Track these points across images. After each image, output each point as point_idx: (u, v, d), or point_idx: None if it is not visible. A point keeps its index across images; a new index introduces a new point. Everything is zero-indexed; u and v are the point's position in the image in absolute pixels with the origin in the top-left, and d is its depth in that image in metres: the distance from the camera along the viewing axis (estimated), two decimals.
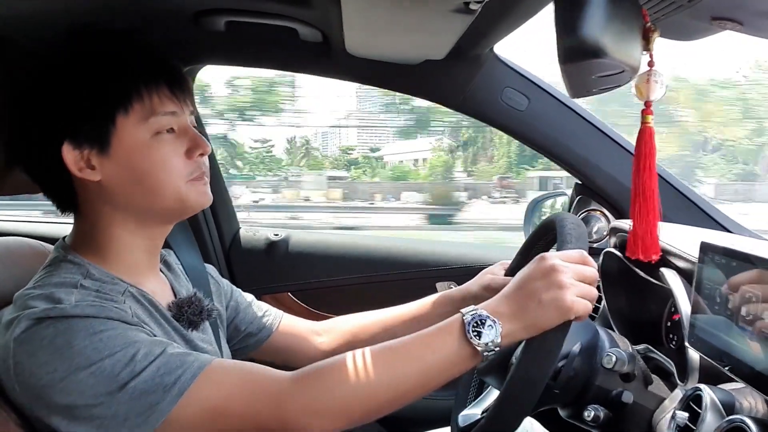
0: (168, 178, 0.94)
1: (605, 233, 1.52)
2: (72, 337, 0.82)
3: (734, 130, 10.68)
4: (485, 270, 1.23)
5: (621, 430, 1.03)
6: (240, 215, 2.00)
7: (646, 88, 0.85)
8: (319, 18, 1.27)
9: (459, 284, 1.27)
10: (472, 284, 1.22)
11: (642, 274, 1.19)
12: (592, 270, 0.87)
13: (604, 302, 1.29)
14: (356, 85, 1.73)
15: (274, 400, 0.84)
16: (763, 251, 0.83)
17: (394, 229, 9.57)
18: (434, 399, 1.31)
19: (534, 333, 0.84)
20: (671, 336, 1.18)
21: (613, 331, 1.17)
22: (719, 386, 0.91)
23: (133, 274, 0.97)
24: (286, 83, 10.94)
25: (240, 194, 9.69)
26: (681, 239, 1.11)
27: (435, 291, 1.29)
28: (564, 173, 1.58)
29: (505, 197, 10.60)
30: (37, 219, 2.25)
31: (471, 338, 0.83)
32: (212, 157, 1.77)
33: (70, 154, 0.91)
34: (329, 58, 1.46)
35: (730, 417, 0.82)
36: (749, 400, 0.87)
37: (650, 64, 0.84)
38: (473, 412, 1.22)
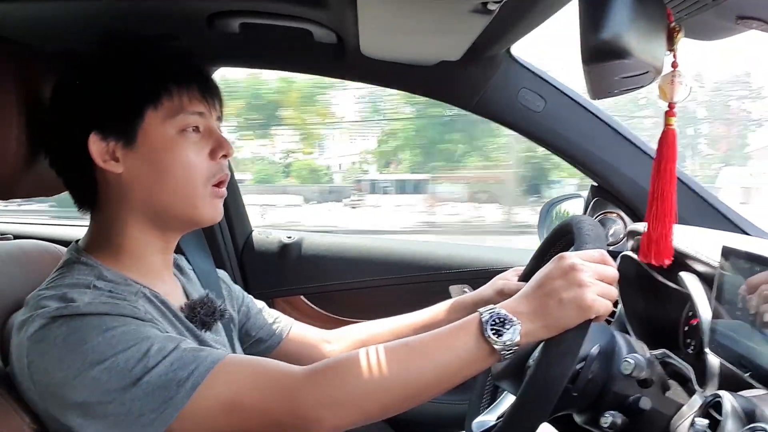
0: (188, 177, 0.95)
1: (622, 236, 1.51)
2: (85, 334, 0.82)
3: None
4: (498, 276, 1.23)
5: None
6: None
7: (670, 89, 0.84)
8: (334, 19, 1.26)
9: (473, 288, 1.26)
10: (485, 289, 1.21)
11: (660, 278, 1.18)
12: (612, 269, 0.86)
13: (620, 306, 1.28)
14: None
15: (287, 394, 0.84)
16: None
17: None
18: (445, 403, 1.31)
19: (554, 332, 0.83)
20: (689, 341, 1.16)
21: (630, 335, 1.16)
22: (739, 393, 0.89)
23: (147, 275, 0.98)
24: None
25: None
26: (700, 242, 1.09)
27: (448, 294, 1.29)
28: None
29: (358, 201, 10.54)
30: (50, 222, 2.27)
31: (489, 337, 0.82)
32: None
33: (95, 145, 0.93)
34: (344, 59, 1.46)
35: (752, 425, 0.80)
36: None
37: (674, 64, 0.83)
38: (487, 418, 1.21)
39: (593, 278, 0.83)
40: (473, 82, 1.49)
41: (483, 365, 0.85)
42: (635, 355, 1.01)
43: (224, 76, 2.28)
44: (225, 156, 0.99)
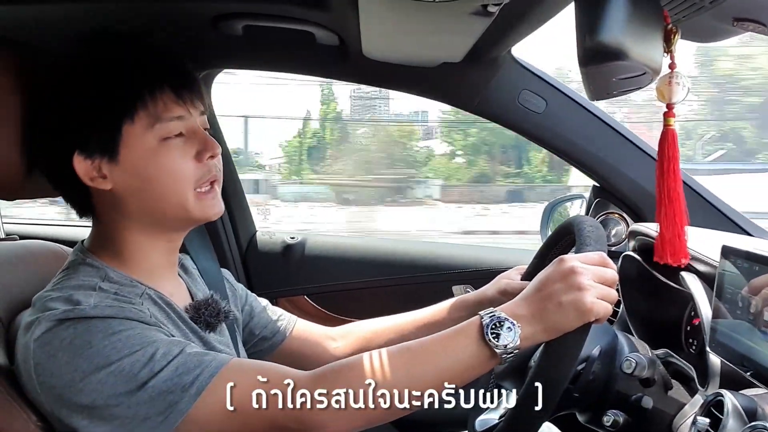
0: (174, 185, 0.94)
1: (624, 236, 1.51)
2: (91, 337, 0.82)
3: None
4: (501, 275, 1.22)
5: None
6: None
7: (668, 90, 0.84)
8: (336, 21, 1.27)
9: (475, 288, 1.26)
10: (488, 289, 1.21)
11: (662, 278, 1.18)
12: (612, 272, 0.86)
13: (622, 306, 1.28)
14: None
15: (291, 398, 0.84)
16: None
17: None
18: None
19: (554, 335, 0.83)
20: (691, 340, 1.17)
21: (632, 335, 1.16)
22: (741, 392, 0.90)
23: (151, 276, 0.98)
24: None
25: None
26: (701, 242, 1.09)
27: (451, 294, 1.29)
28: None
29: None
30: (56, 222, 2.28)
31: (489, 340, 0.83)
32: (228, 159, 1.79)
33: (81, 165, 0.92)
34: (346, 61, 1.46)
35: (753, 423, 0.81)
36: None
37: (671, 66, 0.83)
38: (490, 417, 1.21)
39: (593, 281, 0.83)
40: (474, 83, 1.49)
41: (484, 368, 0.86)
42: (637, 354, 1.02)
43: None
44: (212, 157, 0.96)
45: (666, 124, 0.87)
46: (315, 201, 9.61)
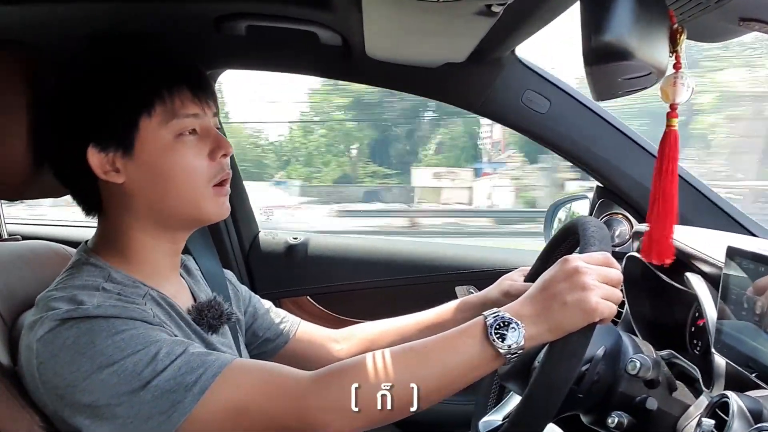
0: (189, 180, 0.95)
1: (628, 237, 1.50)
2: (95, 336, 0.83)
3: None
4: (504, 276, 1.22)
5: None
6: None
7: (673, 90, 0.84)
8: (339, 22, 1.27)
9: (479, 288, 1.26)
10: (492, 290, 1.21)
11: (666, 278, 1.17)
12: (616, 272, 0.86)
13: (626, 307, 1.28)
14: None
15: (294, 398, 0.85)
16: None
17: None
18: (453, 403, 1.30)
19: (558, 335, 0.83)
20: (695, 342, 1.16)
21: (636, 336, 1.16)
22: (746, 393, 0.89)
23: (154, 277, 0.98)
24: None
25: None
26: (706, 243, 1.09)
27: (454, 295, 1.29)
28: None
29: None
30: (60, 222, 2.28)
31: (494, 341, 0.83)
32: (231, 160, 1.78)
33: (95, 157, 0.93)
34: (349, 61, 1.46)
35: (759, 425, 0.80)
36: None
37: (676, 66, 0.83)
38: (494, 418, 1.21)
39: (597, 281, 0.83)
40: (478, 83, 1.49)
41: (488, 369, 0.86)
42: (641, 355, 1.01)
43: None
44: (225, 155, 0.98)
45: (669, 125, 0.87)
46: None
